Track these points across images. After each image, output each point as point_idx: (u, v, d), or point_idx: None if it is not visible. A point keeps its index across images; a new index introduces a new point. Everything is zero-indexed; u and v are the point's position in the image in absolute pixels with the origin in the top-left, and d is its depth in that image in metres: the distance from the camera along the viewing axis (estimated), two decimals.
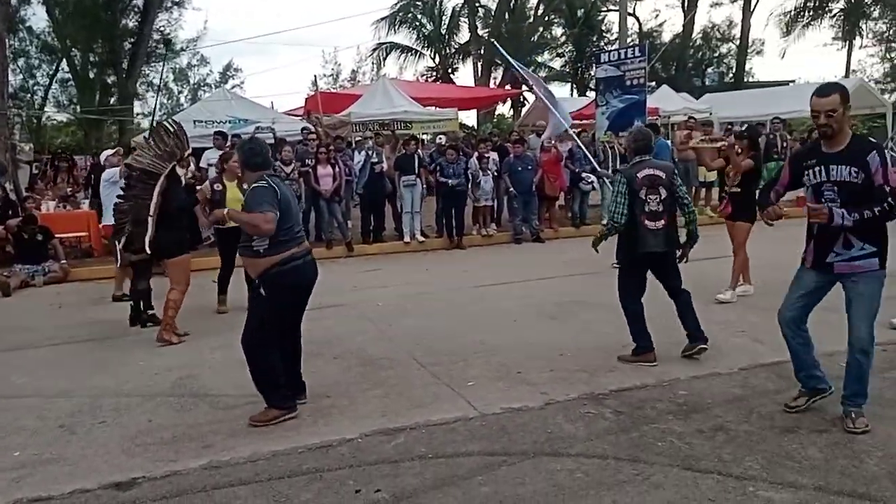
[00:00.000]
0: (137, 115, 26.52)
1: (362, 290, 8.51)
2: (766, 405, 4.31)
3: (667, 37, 34.82)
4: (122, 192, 6.65)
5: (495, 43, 12.36)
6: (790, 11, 33.65)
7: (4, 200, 10.87)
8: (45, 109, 27.33)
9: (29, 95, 26.26)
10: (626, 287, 5.37)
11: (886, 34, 35.02)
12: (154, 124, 6.30)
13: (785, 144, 13.54)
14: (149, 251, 6.31)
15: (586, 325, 6.44)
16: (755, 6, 33.67)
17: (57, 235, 10.10)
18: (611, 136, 12.87)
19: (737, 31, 35.17)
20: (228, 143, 11.05)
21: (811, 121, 3.91)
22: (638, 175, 5.12)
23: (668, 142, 12.56)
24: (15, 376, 5.59)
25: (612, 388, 4.71)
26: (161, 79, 25.16)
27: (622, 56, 13.52)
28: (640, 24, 36.05)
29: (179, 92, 31.36)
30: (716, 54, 37.38)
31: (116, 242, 6.67)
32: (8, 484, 3.67)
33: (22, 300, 8.85)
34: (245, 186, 4.83)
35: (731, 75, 35.37)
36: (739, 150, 7.13)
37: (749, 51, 35.51)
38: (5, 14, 13.67)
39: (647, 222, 5.08)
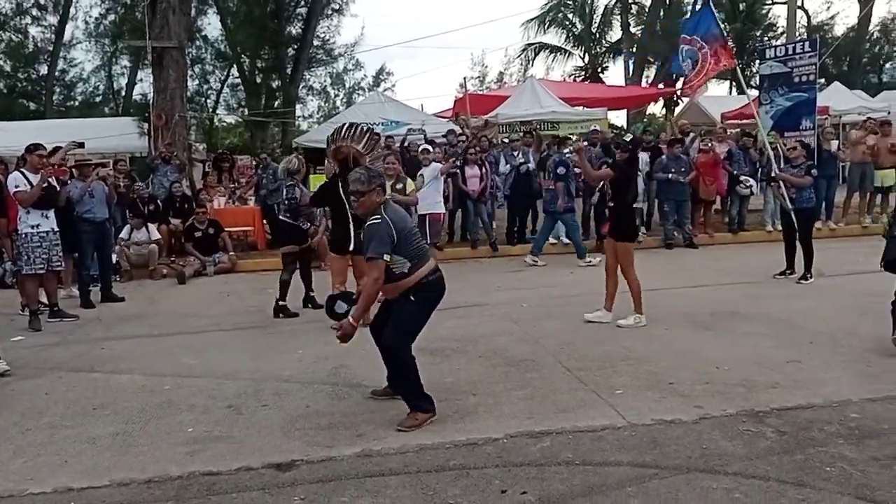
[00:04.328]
0: (298, 117, 28.13)
1: (506, 290, 8.52)
2: None
3: (839, 30, 32.23)
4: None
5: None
6: None
7: (181, 195, 11.90)
8: (217, 112, 29.69)
9: (203, 99, 28.59)
10: None
11: None
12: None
13: None
14: (351, 249, 6.50)
15: (743, 337, 6.07)
16: None
17: (226, 229, 10.92)
18: (775, 136, 12.07)
19: None
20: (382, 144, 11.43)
21: None
22: None
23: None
24: (187, 357, 6.09)
25: (773, 405, 4.41)
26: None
27: (790, 51, 12.62)
28: (808, 18, 33.57)
29: (335, 95, 32.82)
30: None
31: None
32: (183, 457, 4.00)
33: (195, 288, 9.66)
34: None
35: None
36: None
37: None
38: (186, 24, 14.96)
39: None
